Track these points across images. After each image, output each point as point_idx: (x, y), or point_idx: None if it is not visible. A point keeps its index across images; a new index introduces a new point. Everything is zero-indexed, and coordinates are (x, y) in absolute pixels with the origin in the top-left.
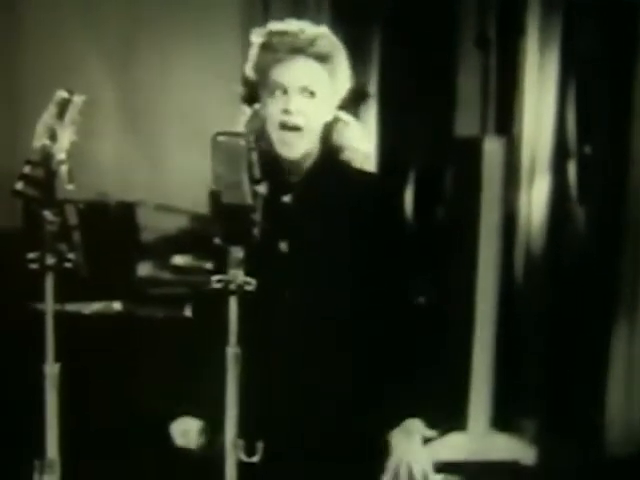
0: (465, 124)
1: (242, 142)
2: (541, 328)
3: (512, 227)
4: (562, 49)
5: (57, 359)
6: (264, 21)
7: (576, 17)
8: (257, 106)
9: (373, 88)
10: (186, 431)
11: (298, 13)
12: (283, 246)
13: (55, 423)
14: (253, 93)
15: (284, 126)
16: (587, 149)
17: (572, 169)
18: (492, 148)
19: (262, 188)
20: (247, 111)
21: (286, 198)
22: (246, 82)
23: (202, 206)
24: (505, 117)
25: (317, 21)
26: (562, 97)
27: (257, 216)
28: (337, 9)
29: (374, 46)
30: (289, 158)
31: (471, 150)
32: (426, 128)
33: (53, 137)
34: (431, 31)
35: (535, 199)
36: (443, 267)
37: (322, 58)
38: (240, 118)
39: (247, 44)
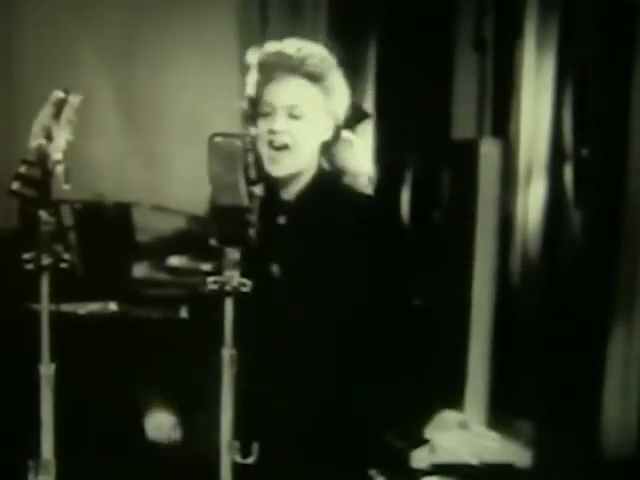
0: (462, 126)
1: (239, 143)
2: (537, 330)
3: (508, 229)
4: (559, 51)
5: (52, 359)
6: (261, 23)
7: (573, 20)
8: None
9: (370, 89)
10: (159, 425)
11: (294, 15)
12: (275, 268)
13: (50, 423)
14: (254, 113)
15: (271, 145)
16: (584, 152)
17: (569, 172)
18: (489, 150)
19: (258, 189)
20: (251, 131)
21: (281, 220)
22: (248, 102)
23: (198, 207)
24: (502, 119)
25: (314, 26)
26: (559, 100)
27: (253, 217)
28: (334, 13)
29: (371, 48)
30: (277, 176)
31: (468, 152)
32: (423, 130)
33: (49, 137)
34: (428, 33)
35: (531, 202)
36: (439, 269)
37: (313, 77)
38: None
39: (244, 45)
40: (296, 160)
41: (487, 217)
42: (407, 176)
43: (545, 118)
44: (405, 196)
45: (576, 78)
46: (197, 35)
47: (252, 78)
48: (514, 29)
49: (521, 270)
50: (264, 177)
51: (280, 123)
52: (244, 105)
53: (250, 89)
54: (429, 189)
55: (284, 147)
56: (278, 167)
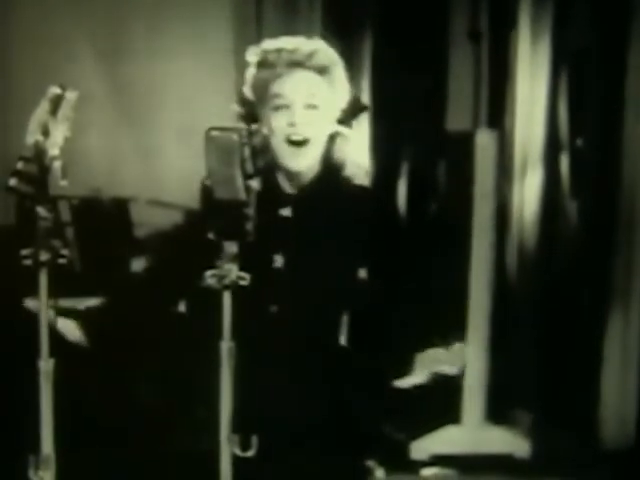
0: (457, 118)
1: (235, 137)
2: (535, 321)
3: (505, 220)
4: (554, 42)
5: (51, 354)
6: (256, 20)
7: (568, 9)
8: (254, 126)
9: (365, 82)
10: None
11: (290, 13)
12: (279, 260)
13: (50, 418)
14: (252, 112)
15: (291, 139)
16: (579, 142)
17: (564, 162)
18: (484, 141)
19: (255, 183)
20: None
21: (285, 212)
22: (244, 102)
23: (195, 201)
24: (497, 110)
25: (310, 20)
26: (554, 90)
27: (250, 211)
28: (330, 7)
29: (366, 41)
30: (296, 170)
31: (463, 144)
32: (418, 122)
33: (46, 133)
34: (423, 25)
35: (527, 192)
36: (436, 261)
37: (321, 70)
38: None
39: (240, 39)
40: (315, 152)
41: (483, 208)
42: (403, 168)
43: (540, 109)
44: (401, 188)
45: (571, 69)
46: (193, 31)
47: (251, 78)
48: (509, 20)
49: (518, 260)
50: (273, 175)
51: (300, 115)
52: (236, 108)
53: (249, 90)
54: (425, 181)
55: (304, 140)
56: (299, 161)
